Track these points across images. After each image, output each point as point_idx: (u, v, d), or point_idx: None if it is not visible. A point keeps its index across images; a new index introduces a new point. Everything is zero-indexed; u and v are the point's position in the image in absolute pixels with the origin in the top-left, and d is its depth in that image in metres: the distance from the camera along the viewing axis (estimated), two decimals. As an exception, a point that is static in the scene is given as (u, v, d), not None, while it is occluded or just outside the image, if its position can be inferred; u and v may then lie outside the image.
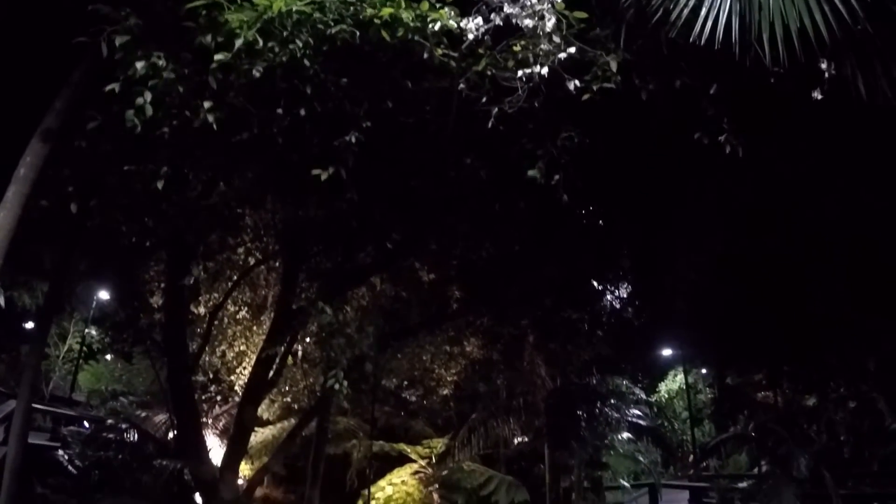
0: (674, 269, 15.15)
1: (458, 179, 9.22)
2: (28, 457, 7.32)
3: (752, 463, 18.12)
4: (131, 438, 13.22)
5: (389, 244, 12.74)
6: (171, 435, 13.98)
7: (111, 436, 13.38)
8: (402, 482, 15.94)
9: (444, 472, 15.83)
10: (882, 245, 11.17)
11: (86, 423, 16.87)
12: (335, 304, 9.98)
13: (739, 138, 6.55)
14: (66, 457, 14.78)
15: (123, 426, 13.50)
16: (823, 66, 5.55)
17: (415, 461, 16.75)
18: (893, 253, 11.17)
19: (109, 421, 14.22)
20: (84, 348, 26.04)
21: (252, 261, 14.12)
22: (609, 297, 20.87)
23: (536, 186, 7.01)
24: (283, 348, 13.68)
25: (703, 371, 29.96)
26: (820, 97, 5.70)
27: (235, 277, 14.19)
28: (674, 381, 31.21)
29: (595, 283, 18.15)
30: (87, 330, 25.72)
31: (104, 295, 20.96)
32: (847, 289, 12.31)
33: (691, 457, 28.10)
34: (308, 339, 15.46)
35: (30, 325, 21.82)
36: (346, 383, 9.41)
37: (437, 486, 15.65)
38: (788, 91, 6.30)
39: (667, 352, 30.06)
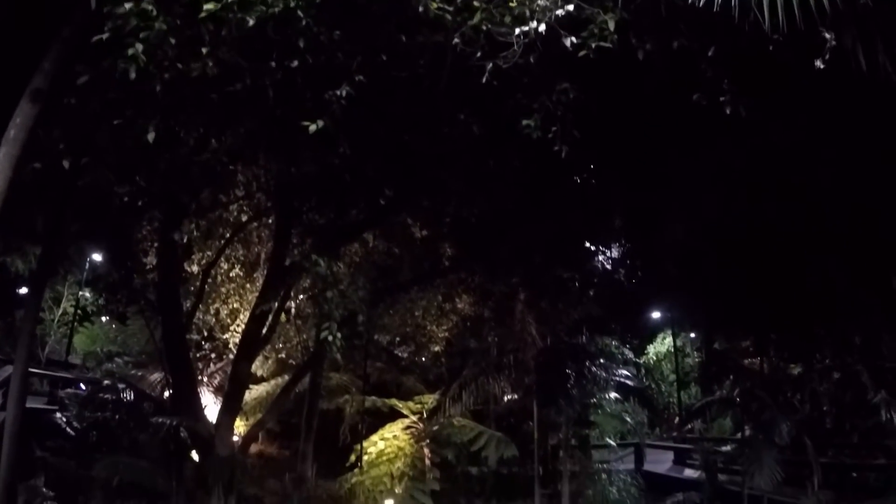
0: (666, 231, 15.22)
1: (451, 135, 9.17)
2: (26, 421, 7.42)
3: (736, 427, 18.43)
4: (127, 398, 13.33)
5: (382, 200, 12.71)
6: (166, 393, 14.14)
7: (108, 396, 13.49)
8: (394, 437, 16.20)
9: (435, 428, 16.09)
10: (876, 221, 11.20)
11: (82, 385, 17.02)
12: (328, 259, 10.00)
13: (739, 101, 6.51)
14: (64, 419, 14.95)
15: (120, 386, 13.60)
16: (827, 35, 5.46)
17: (406, 416, 17.01)
18: (886, 230, 11.21)
19: (106, 382, 14.34)
20: (78, 311, 26.10)
21: (245, 218, 14.09)
22: (601, 257, 21.03)
23: (530, 143, 6.98)
24: (276, 304, 13.75)
25: (692, 335, 30.29)
26: (821, 66, 5.63)
27: (228, 235, 14.18)
28: (662, 344, 31.57)
29: (587, 244, 18.24)
30: (81, 292, 25.73)
31: (97, 257, 20.95)
32: (838, 262, 12.40)
33: (677, 419, 28.56)
34: (301, 296, 15.54)
35: (24, 290, 21.88)
36: (339, 335, 9.50)
37: (427, 441, 15.92)
38: (788, 59, 6.26)
39: (656, 314, 30.37)
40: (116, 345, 20.09)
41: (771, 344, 18.64)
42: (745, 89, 6.57)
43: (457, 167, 11.28)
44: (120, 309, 18.31)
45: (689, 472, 19.50)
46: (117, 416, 13.25)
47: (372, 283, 14.70)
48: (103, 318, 24.85)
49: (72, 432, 14.34)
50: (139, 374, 17.13)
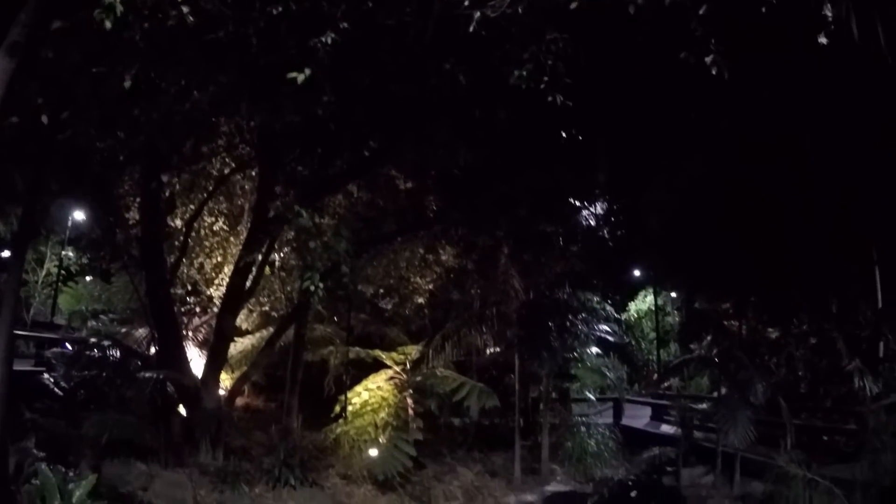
0: (651, 190, 15.29)
1: (437, 86, 9.04)
2: (14, 383, 7.40)
3: (713, 386, 18.82)
4: (114, 355, 13.34)
5: (366, 151, 12.62)
6: (152, 350, 14.15)
7: (94, 354, 13.50)
8: (378, 388, 16.33)
9: (418, 378, 16.25)
10: (857, 191, 11.28)
11: (68, 346, 16.97)
12: (311, 210, 9.96)
13: (726, 62, 6.45)
14: (52, 380, 14.94)
15: (105, 344, 13.60)
16: (827, 13, 5.37)
17: (390, 367, 17.14)
18: (868, 200, 11.28)
19: (92, 340, 14.32)
20: (62, 271, 25.90)
21: (227, 170, 13.94)
22: (585, 213, 21.11)
23: (517, 95, 6.92)
24: (260, 257, 13.74)
25: (673, 295, 30.64)
26: (825, 42, 5.56)
27: (211, 188, 14.03)
28: (643, 302, 31.90)
29: (572, 199, 18.29)
30: (64, 252, 25.51)
31: (79, 215, 20.72)
32: (819, 230, 12.53)
33: (655, 376, 29.04)
34: (285, 249, 15.51)
35: (6, 253, 21.63)
36: (321, 285, 9.54)
37: (411, 391, 16.09)
38: (780, 24, 6.20)
39: (638, 272, 30.65)
40: (101, 303, 19.95)
41: (750, 307, 18.92)
42: (732, 51, 6.50)
43: (442, 118, 11.20)
44: (104, 266, 18.23)
45: (666, 428, 19.94)
46: (104, 374, 13.29)
47: (355, 234, 14.69)
48: (87, 278, 24.69)
49: (60, 392, 14.37)
50: (124, 330, 17.08)
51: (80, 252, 24.28)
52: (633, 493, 17.02)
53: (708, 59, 6.38)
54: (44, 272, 26.18)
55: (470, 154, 12.86)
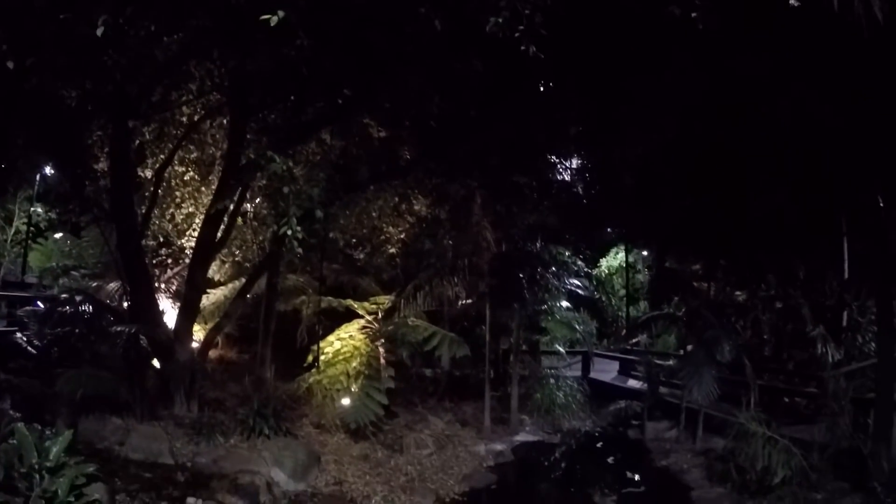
0: (624, 145, 15.28)
1: (413, 32, 8.83)
2: None
3: (680, 345, 19.25)
4: (86, 311, 13.09)
5: (340, 99, 12.39)
6: (125, 304, 13.95)
7: (66, 310, 13.24)
8: (350, 337, 16.38)
9: (390, 328, 16.33)
10: (829, 163, 11.33)
11: (40, 304, 16.66)
12: (284, 156, 9.80)
13: (711, 17, 6.37)
14: (25, 339, 14.70)
15: (77, 299, 13.35)
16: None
17: (362, 317, 17.20)
18: (839, 172, 11.36)
19: (63, 296, 14.03)
20: (31, 228, 25.33)
21: (197, 118, 13.60)
22: (560, 168, 21.12)
23: (493, 44, 6.78)
24: (232, 206, 13.53)
25: (644, 253, 30.94)
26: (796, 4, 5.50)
27: (181, 136, 13.69)
28: (615, 259, 32.17)
29: (545, 153, 18.24)
30: (32, 209, 24.90)
31: (47, 170, 20.21)
32: (789, 198, 12.64)
33: (624, 331, 29.50)
34: (258, 200, 15.31)
35: None
36: (299, 229, 9.45)
37: (382, 340, 16.18)
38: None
39: (610, 229, 30.84)
40: (72, 258, 19.54)
41: (719, 269, 19.16)
42: (717, 4, 6.43)
43: (418, 66, 10.99)
44: (73, 220, 17.81)
45: (633, 383, 20.44)
46: (77, 330, 13.08)
47: (329, 182, 14.54)
48: (57, 236, 24.19)
49: (33, 351, 14.15)
50: (96, 285, 16.77)
51: (49, 207, 23.77)
52: (599, 444, 17.56)
53: (694, 15, 6.32)
54: (13, 230, 25.60)
55: (444, 103, 12.69)
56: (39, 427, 6.75)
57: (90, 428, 10.80)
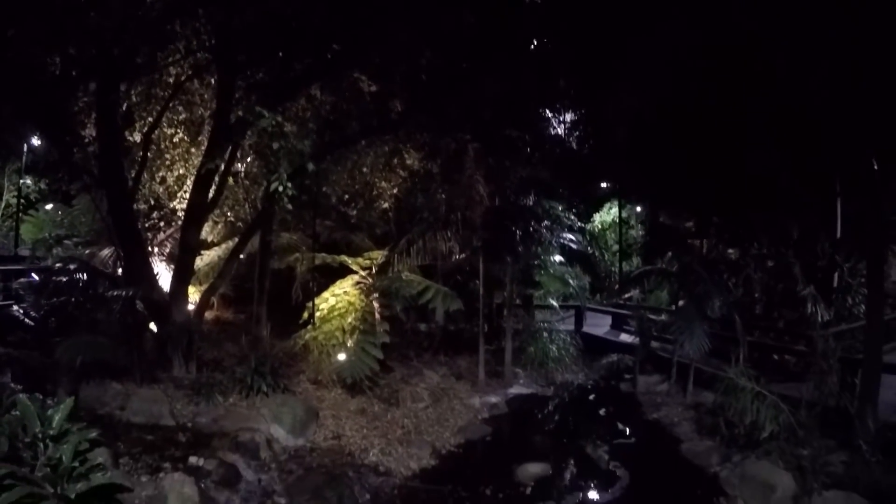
0: (619, 101, 15.09)
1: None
2: None
3: (672, 300, 19.38)
4: (81, 278, 13.03)
5: (329, 54, 12.14)
6: (119, 270, 13.88)
7: (61, 280, 13.17)
8: (345, 292, 16.41)
9: (384, 283, 16.38)
10: (823, 122, 11.19)
11: (34, 276, 16.56)
12: (273, 112, 9.65)
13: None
14: (21, 311, 14.64)
15: (71, 267, 13.27)
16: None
17: (356, 273, 17.21)
18: (835, 134, 11.22)
19: (58, 265, 13.94)
20: (22, 200, 25.03)
21: (184, 78, 13.29)
22: (554, 122, 20.87)
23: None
24: (222, 166, 13.38)
25: (638, 209, 30.87)
26: None
27: (168, 96, 13.40)
28: (608, 214, 32.06)
29: (538, 106, 17.99)
30: (21, 181, 24.58)
31: (35, 141, 19.90)
32: (784, 157, 12.53)
33: (617, 286, 29.59)
34: (249, 159, 15.11)
35: None
36: (289, 185, 9.39)
37: (377, 295, 16.24)
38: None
39: (604, 184, 30.73)
40: (64, 228, 19.37)
41: (712, 226, 19.15)
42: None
43: (407, 19, 10.75)
44: (64, 189, 17.64)
45: (625, 337, 20.68)
46: (73, 299, 13.03)
47: (318, 136, 14.35)
48: (48, 207, 23.95)
49: (31, 322, 14.12)
50: (89, 252, 16.65)
51: (39, 178, 23.64)
52: (591, 397, 17.88)
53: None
54: (3, 203, 25.35)
55: (435, 56, 12.45)
56: (41, 397, 6.78)
57: (91, 394, 10.95)
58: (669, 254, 18.15)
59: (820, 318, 11.98)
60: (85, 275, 13.01)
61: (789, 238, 15.89)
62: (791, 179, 13.29)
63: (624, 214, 30.43)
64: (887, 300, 14.20)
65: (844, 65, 9.30)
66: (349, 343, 14.74)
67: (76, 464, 6.67)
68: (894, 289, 16.20)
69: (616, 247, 31.21)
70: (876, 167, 10.22)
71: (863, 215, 12.47)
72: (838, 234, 14.55)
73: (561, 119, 20.08)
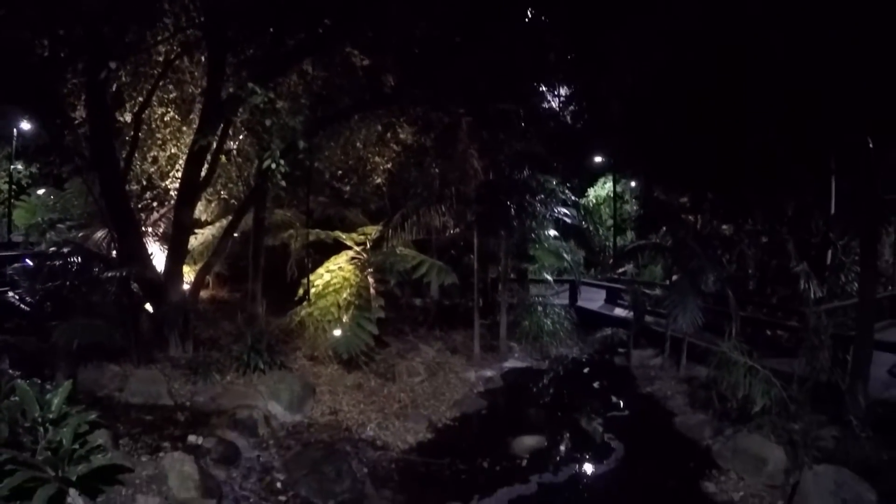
0: (614, 75, 14.95)
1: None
2: None
3: (666, 275, 19.44)
4: (75, 262, 12.94)
5: (321, 28, 11.96)
6: (114, 251, 13.84)
7: (56, 264, 13.08)
8: (339, 268, 16.42)
9: (379, 258, 16.37)
10: (820, 99, 11.12)
11: (28, 261, 16.45)
12: (265, 88, 9.56)
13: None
14: (17, 297, 14.58)
15: (65, 250, 13.19)
16: None
17: (350, 248, 17.21)
18: (831, 110, 11.15)
19: (52, 249, 13.83)
20: (13, 186, 24.77)
21: (174, 56, 13.10)
22: (548, 96, 20.72)
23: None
24: (214, 144, 13.26)
25: (632, 184, 30.82)
26: None
27: (158, 75, 13.23)
28: (602, 188, 32.00)
29: (532, 79, 17.83)
30: (13, 166, 24.31)
31: (24, 126, 19.63)
32: (780, 134, 12.47)
33: (611, 261, 29.68)
34: (241, 137, 14.97)
35: None
36: (282, 162, 9.33)
37: (371, 270, 16.26)
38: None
39: (599, 159, 30.65)
40: (57, 212, 19.24)
41: (707, 202, 19.16)
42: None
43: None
44: (55, 172, 17.47)
45: (619, 311, 20.77)
46: (68, 282, 12.96)
47: (311, 111, 14.23)
48: (40, 192, 23.76)
49: (27, 308, 14.10)
50: (83, 235, 16.55)
51: (30, 163, 23.41)
52: (585, 371, 18.04)
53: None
54: None
55: (429, 29, 12.29)
56: (39, 381, 6.81)
57: (89, 377, 10.97)
58: (664, 229, 18.16)
59: (813, 295, 12.05)
60: (79, 258, 12.94)
61: (784, 215, 15.90)
62: (786, 156, 13.25)
63: (618, 189, 30.39)
64: (880, 279, 14.27)
65: (841, 41, 9.23)
66: (344, 319, 14.80)
67: (76, 446, 6.73)
68: (887, 267, 16.30)
69: (610, 221, 31.24)
70: (871, 145, 10.20)
71: (857, 193, 12.47)
72: (832, 212, 14.57)
73: (556, 93, 19.93)
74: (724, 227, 19.19)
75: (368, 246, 17.28)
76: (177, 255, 13.62)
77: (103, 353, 11.49)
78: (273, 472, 9.75)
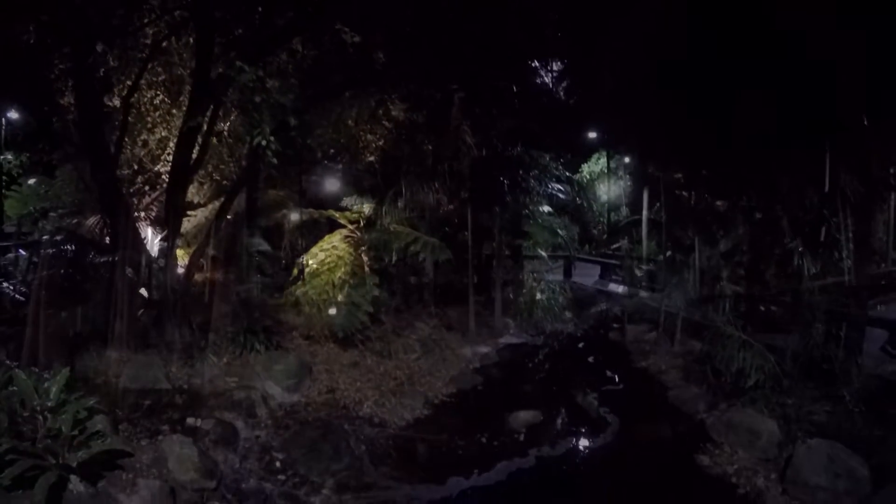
0: (606, 50, 14.81)
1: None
2: None
3: (660, 250, 19.44)
4: (69, 249, 12.87)
5: (310, 7, 11.79)
6: (107, 237, 13.77)
7: (49, 251, 13.01)
8: (333, 247, 16.37)
9: (373, 236, 16.36)
10: (816, 76, 11.03)
11: (22, 251, 16.29)
12: (254, 66, 9.45)
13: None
14: (11, 287, 14.49)
15: (58, 238, 13.08)
16: None
17: (344, 227, 17.18)
18: (823, 88, 11.07)
19: (44, 238, 13.71)
20: (3, 176, 24.49)
21: (161, 37, 12.90)
22: (541, 71, 20.55)
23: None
24: (205, 125, 13.13)
25: (626, 160, 30.70)
26: None
27: (146, 58, 13.04)
28: (596, 164, 31.97)
29: (526, 58, 17.69)
30: (2, 156, 24.00)
31: (12, 115, 19.35)
32: (775, 109, 12.36)
33: (605, 236, 29.74)
34: (232, 118, 14.81)
35: None
36: (272, 139, 9.27)
37: (365, 248, 16.24)
38: None
39: (592, 135, 30.50)
40: (48, 200, 19.09)
41: (701, 178, 19.11)
42: None
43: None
44: (45, 160, 17.29)
45: (613, 287, 20.89)
46: (62, 270, 12.92)
47: (301, 89, 14.10)
48: (31, 181, 23.51)
49: (21, 298, 14.03)
50: (75, 221, 16.43)
51: (19, 153, 23.22)
52: (580, 346, 18.18)
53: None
54: None
55: (420, 5, 12.13)
56: (36, 370, 6.83)
57: (86, 364, 10.90)
58: (658, 204, 18.16)
59: (806, 272, 12.12)
60: (72, 245, 12.90)
61: (778, 191, 15.90)
62: (783, 135, 13.20)
63: (612, 165, 30.32)
64: (873, 256, 14.33)
65: (838, 18, 9.16)
66: (339, 297, 14.80)
67: (76, 433, 6.79)
68: (880, 245, 16.34)
69: (605, 197, 31.20)
70: (866, 122, 10.17)
71: (852, 170, 12.46)
72: (826, 189, 14.58)
73: (548, 69, 19.76)
74: (718, 203, 19.17)
75: (362, 224, 17.21)
76: (170, 238, 13.55)
77: (100, 339, 11.46)
78: (272, 451, 9.84)
